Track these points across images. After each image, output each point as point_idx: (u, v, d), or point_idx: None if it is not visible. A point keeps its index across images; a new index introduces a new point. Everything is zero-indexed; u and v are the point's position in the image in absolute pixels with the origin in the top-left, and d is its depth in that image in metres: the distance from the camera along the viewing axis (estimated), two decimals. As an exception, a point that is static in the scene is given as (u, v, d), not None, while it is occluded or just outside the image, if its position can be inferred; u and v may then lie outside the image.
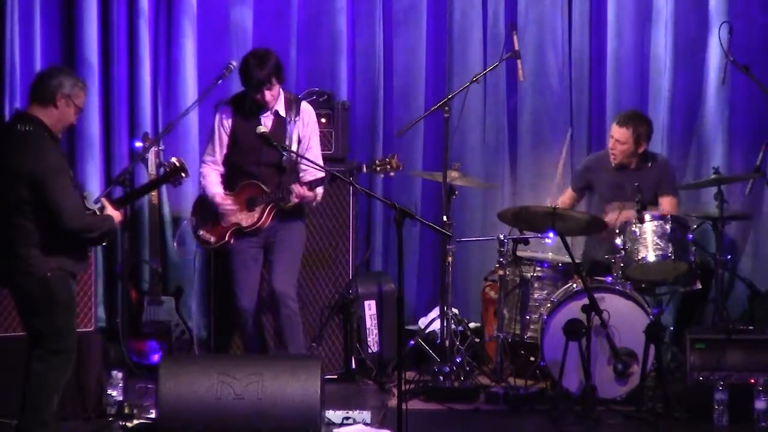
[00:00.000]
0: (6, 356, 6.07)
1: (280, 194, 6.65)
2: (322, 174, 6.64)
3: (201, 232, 6.83)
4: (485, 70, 7.73)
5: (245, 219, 6.72)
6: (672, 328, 7.57)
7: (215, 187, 6.78)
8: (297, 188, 6.60)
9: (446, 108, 7.16)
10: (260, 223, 6.70)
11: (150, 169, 7.56)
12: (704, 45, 8.16)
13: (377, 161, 6.61)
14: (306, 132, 6.78)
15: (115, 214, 5.51)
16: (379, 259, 8.31)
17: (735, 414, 6.39)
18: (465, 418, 6.63)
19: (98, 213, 5.49)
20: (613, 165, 7.50)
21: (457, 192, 7.15)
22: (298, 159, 6.67)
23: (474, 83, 7.30)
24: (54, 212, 5.23)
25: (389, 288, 7.63)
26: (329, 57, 8.23)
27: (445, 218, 7.05)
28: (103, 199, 5.62)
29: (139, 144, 7.74)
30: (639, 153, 7.46)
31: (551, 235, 6.95)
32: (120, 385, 6.42)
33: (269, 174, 6.67)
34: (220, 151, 6.79)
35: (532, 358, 7.09)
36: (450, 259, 7.17)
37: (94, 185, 7.95)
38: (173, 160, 5.85)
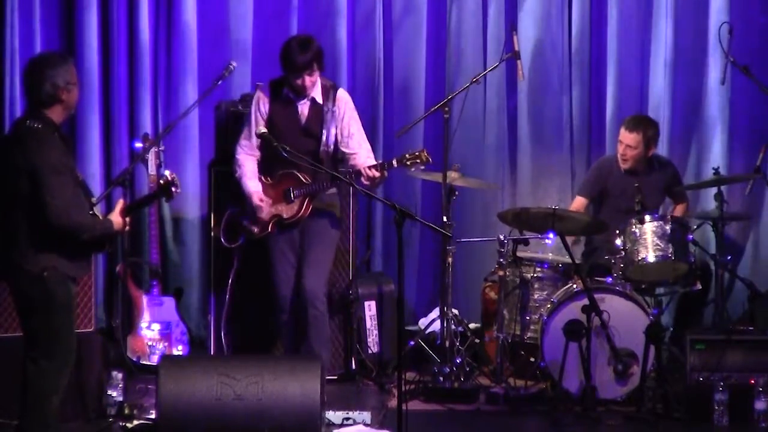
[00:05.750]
0: (6, 356, 6.06)
1: (318, 185, 6.68)
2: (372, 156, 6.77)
3: (245, 222, 6.86)
4: (485, 70, 7.74)
5: (285, 211, 6.76)
6: (672, 329, 7.57)
7: (252, 183, 6.79)
8: (366, 171, 6.57)
9: (446, 108, 7.15)
10: (300, 214, 6.73)
11: (150, 170, 7.55)
12: (704, 45, 8.17)
13: (408, 155, 6.61)
14: (344, 120, 6.79)
15: (117, 220, 5.50)
16: (379, 260, 8.31)
17: (735, 414, 6.39)
18: (465, 419, 6.63)
19: (100, 217, 5.48)
20: (623, 171, 7.50)
21: (457, 192, 7.14)
22: (331, 149, 6.71)
23: (474, 83, 7.31)
24: (42, 208, 5.22)
25: (389, 288, 7.62)
26: (329, 57, 8.18)
27: (445, 219, 7.04)
28: (121, 201, 5.62)
29: (139, 144, 7.73)
30: (648, 157, 7.48)
31: (551, 235, 6.95)
32: (120, 385, 6.42)
33: (307, 164, 6.58)
34: (256, 136, 6.77)
35: (532, 359, 7.09)
36: (450, 259, 7.16)
37: (94, 185, 7.93)
38: (166, 173, 5.83)
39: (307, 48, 6.65)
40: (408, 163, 6.61)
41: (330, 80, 6.94)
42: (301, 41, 6.71)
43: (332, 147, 6.77)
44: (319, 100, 6.77)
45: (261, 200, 6.76)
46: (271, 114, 6.76)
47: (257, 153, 6.82)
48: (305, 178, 6.72)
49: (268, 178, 6.82)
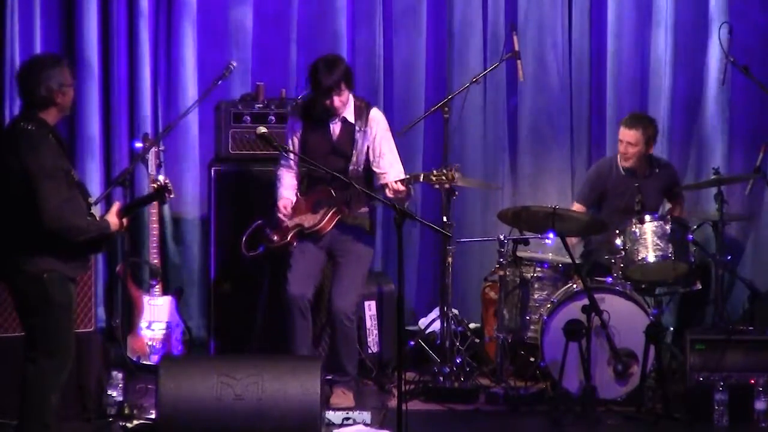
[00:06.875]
0: (6, 356, 6.07)
1: (344, 200, 6.63)
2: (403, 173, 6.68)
3: (267, 231, 6.84)
4: (485, 70, 7.74)
5: (308, 220, 6.71)
6: (672, 329, 7.57)
7: (285, 192, 6.80)
8: (392, 184, 6.51)
9: (446, 108, 7.16)
10: (321, 225, 6.68)
11: (150, 170, 7.55)
12: (704, 45, 8.17)
13: (435, 171, 6.51)
14: (375, 140, 6.71)
15: (113, 221, 5.50)
16: (379, 260, 8.31)
17: (735, 414, 6.39)
18: (465, 419, 6.64)
19: (97, 218, 5.49)
20: (622, 170, 7.50)
21: (457, 192, 7.14)
22: (361, 168, 6.66)
23: (474, 83, 7.31)
24: (37, 212, 5.23)
25: (389, 288, 7.62)
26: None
27: (445, 219, 7.04)
28: (117, 203, 5.62)
29: (139, 144, 7.72)
30: (647, 156, 7.48)
31: (551, 235, 6.95)
32: (120, 385, 6.42)
33: (338, 181, 6.43)
34: (293, 155, 6.73)
35: (532, 359, 7.09)
36: (450, 259, 7.16)
37: (94, 186, 7.94)
38: (160, 178, 5.84)
39: (334, 68, 6.56)
40: (433, 179, 6.52)
41: (364, 100, 6.89)
42: (328, 61, 6.61)
43: (362, 166, 6.71)
44: (351, 119, 6.71)
45: (284, 207, 6.75)
46: (303, 134, 6.73)
47: (295, 168, 6.82)
48: (335, 192, 6.66)
49: (303, 195, 6.80)
